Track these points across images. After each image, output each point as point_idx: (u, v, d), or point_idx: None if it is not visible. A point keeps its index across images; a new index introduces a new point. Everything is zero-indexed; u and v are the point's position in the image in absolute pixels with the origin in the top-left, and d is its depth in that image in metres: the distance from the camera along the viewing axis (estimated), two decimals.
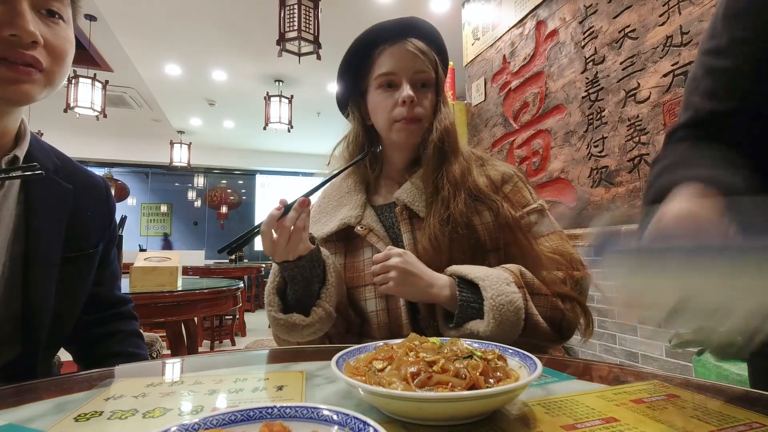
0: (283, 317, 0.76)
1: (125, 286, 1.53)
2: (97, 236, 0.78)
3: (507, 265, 0.77)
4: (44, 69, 0.61)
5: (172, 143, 6.72)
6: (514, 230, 0.82)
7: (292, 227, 0.72)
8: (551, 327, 0.73)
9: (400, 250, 0.77)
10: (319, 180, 0.90)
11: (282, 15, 2.84)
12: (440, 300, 0.75)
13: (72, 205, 0.72)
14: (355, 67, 0.92)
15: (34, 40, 0.57)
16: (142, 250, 4.64)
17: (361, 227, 0.87)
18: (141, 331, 0.91)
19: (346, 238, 0.90)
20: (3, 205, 0.65)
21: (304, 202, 0.72)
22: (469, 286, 0.74)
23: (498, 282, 0.71)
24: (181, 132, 7.26)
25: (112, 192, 0.86)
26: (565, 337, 0.77)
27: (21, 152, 0.67)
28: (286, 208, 0.72)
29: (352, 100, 0.95)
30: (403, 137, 0.87)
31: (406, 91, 0.84)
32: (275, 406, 0.33)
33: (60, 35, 0.62)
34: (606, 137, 2.33)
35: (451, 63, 1.61)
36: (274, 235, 0.72)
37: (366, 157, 0.93)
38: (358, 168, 0.97)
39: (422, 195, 0.86)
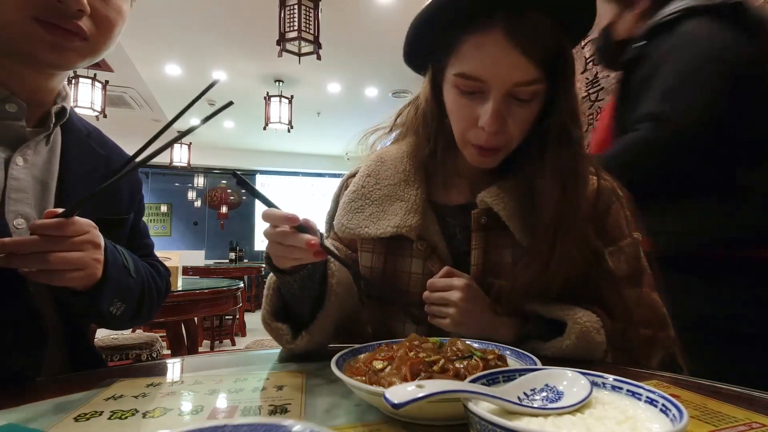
0: (273, 324, 0.63)
1: None
2: (127, 204, 0.79)
3: (595, 310, 0.64)
4: (88, 38, 0.60)
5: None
6: (609, 280, 0.67)
7: (289, 245, 0.54)
8: None
9: (463, 282, 0.64)
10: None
11: (282, 15, 2.84)
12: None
13: (104, 171, 0.73)
14: (430, 42, 0.67)
15: (80, 9, 0.56)
16: None
17: (422, 245, 0.70)
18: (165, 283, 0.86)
19: (392, 236, 0.72)
20: (49, 165, 0.67)
21: (312, 246, 0.51)
22: (539, 321, 0.65)
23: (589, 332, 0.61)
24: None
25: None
26: None
27: (68, 104, 0.70)
28: (300, 228, 0.53)
29: (428, 66, 0.71)
30: (476, 163, 0.68)
31: (489, 115, 0.60)
32: (227, 425, 0.28)
33: (111, 5, 0.62)
34: None
35: None
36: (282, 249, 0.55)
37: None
38: (419, 147, 0.75)
39: (517, 208, 0.67)
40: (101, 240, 0.60)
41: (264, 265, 5.96)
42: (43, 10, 0.55)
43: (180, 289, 1.71)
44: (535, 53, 0.58)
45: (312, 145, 7.96)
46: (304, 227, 0.53)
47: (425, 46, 0.68)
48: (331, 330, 0.64)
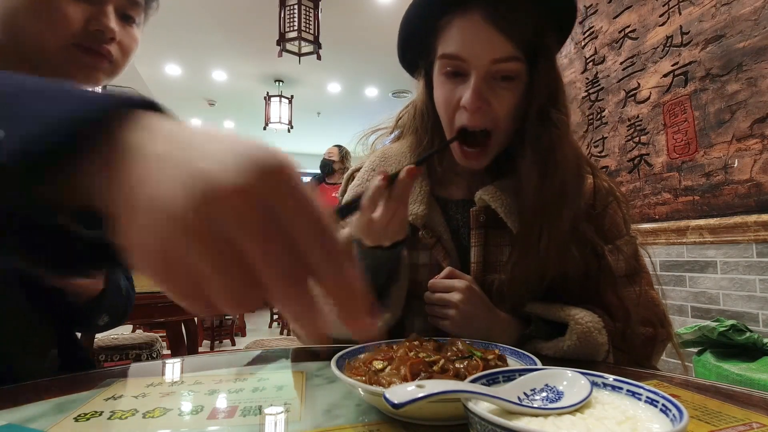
0: None
1: None
2: None
3: (596, 311, 0.64)
4: (113, 61, 0.72)
5: None
6: (609, 278, 0.67)
7: (399, 204, 0.55)
8: None
9: (464, 284, 0.64)
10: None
11: (282, 15, 2.84)
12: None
13: None
14: (418, 35, 0.68)
15: (113, 37, 0.67)
16: None
17: (427, 233, 0.71)
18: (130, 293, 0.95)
19: None
20: None
21: (412, 172, 0.54)
22: (541, 322, 0.65)
23: (590, 332, 0.61)
24: None
25: None
26: None
27: None
28: (391, 179, 0.55)
29: (420, 63, 0.72)
30: (463, 163, 0.69)
31: (470, 91, 0.61)
32: None
33: (130, 33, 0.74)
34: (606, 137, 2.33)
35: None
36: (377, 212, 0.56)
37: (439, 151, 0.73)
38: (419, 145, 0.76)
39: (515, 205, 0.67)
40: None
41: None
42: (83, 37, 0.65)
43: None
44: (511, 31, 0.60)
45: (312, 145, 7.96)
46: (391, 178, 0.55)
47: (415, 41, 0.70)
48: (403, 302, 0.66)
